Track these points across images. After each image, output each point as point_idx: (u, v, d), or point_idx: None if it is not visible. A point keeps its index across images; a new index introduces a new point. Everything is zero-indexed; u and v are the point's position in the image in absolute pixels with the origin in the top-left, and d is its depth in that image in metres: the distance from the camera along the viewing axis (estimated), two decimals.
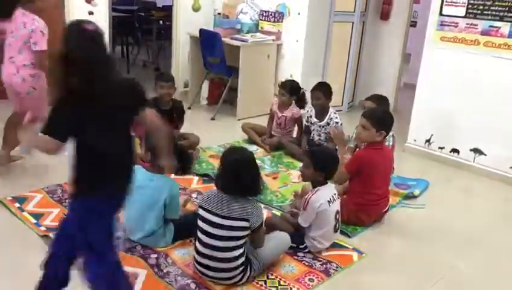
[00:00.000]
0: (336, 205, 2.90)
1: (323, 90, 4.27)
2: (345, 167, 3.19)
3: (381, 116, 3.23)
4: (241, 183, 2.41)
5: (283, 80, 4.92)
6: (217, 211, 2.41)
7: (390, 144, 3.72)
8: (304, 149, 4.25)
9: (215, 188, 2.52)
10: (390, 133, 3.70)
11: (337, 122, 4.21)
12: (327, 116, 4.26)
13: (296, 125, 4.65)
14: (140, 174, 2.74)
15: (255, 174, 2.48)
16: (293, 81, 4.72)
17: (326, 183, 2.93)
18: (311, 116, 4.37)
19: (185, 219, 2.87)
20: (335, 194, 2.92)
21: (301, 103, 4.58)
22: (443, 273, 2.85)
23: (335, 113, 4.28)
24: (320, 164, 2.87)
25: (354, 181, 3.22)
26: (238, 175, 2.40)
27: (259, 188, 2.50)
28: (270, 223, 2.96)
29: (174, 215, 2.80)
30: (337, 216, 2.90)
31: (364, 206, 3.18)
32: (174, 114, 4.11)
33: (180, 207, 3.06)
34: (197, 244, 2.49)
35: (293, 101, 4.54)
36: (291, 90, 4.50)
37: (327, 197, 2.83)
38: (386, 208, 3.33)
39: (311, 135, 4.42)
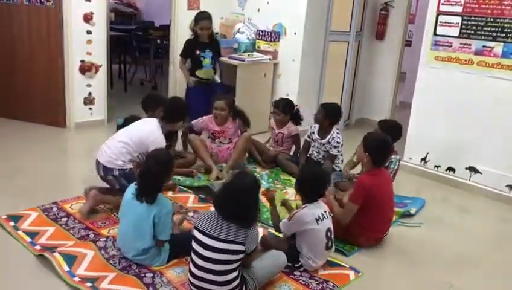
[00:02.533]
0: (327, 223, 2.88)
1: (325, 109, 4.21)
2: (351, 200, 3.12)
3: (376, 142, 3.20)
4: (238, 211, 2.39)
5: (277, 99, 4.93)
6: (212, 233, 2.38)
7: (396, 167, 3.74)
8: (299, 166, 4.26)
9: (212, 208, 2.50)
10: (397, 157, 3.77)
11: (338, 142, 4.20)
12: (329, 135, 4.25)
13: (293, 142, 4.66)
14: (132, 190, 2.76)
15: (255, 206, 2.49)
16: (286, 99, 4.73)
17: (317, 201, 2.92)
18: (313, 133, 4.37)
19: (181, 238, 2.85)
20: (325, 211, 2.91)
21: (297, 120, 4.59)
22: None
23: (338, 133, 4.27)
24: (300, 186, 2.95)
25: (360, 208, 3.13)
26: (239, 202, 2.39)
27: (254, 221, 2.49)
28: (266, 242, 2.95)
29: (162, 236, 2.74)
30: (329, 234, 2.88)
31: (368, 231, 3.16)
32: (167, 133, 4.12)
33: (176, 226, 3.05)
34: (192, 266, 2.46)
35: (289, 119, 4.56)
36: (284, 108, 4.52)
37: (315, 215, 2.83)
38: (386, 233, 3.32)
39: (311, 151, 4.42)
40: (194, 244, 2.43)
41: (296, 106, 4.66)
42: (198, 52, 4.85)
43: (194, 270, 2.44)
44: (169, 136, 4.14)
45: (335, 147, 4.21)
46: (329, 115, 4.21)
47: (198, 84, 4.90)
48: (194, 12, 5.93)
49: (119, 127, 3.71)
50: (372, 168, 3.18)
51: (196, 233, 2.44)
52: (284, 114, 4.52)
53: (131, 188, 2.79)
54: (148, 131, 3.41)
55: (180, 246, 2.80)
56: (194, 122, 4.43)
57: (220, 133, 4.45)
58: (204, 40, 4.84)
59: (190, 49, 4.90)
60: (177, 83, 6.14)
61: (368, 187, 3.09)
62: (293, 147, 4.69)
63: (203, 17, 4.82)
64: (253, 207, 2.48)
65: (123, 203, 2.83)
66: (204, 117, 4.46)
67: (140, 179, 2.75)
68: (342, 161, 4.32)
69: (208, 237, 2.38)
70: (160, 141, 3.36)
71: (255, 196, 2.51)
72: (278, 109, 4.52)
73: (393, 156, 3.74)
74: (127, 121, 3.81)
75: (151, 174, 2.72)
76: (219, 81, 5.10)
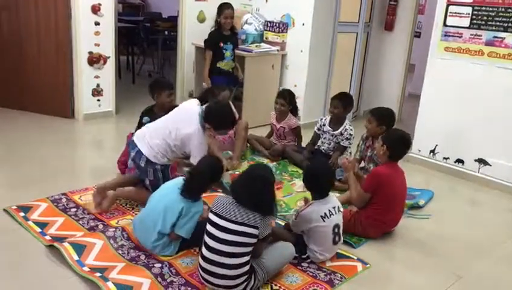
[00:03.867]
0: (335, 219, 2.87)
1: (343, 101, 4.21)
2: (363, 187, 3.19)
3: (397, 138, 3.24)
4: (254, 198, 2.42)
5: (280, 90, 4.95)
6: (226, 216, 2.41)
7: None
8: (304, 158, 4.25)
9: (228, 196, 2.53)
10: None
11: (350, 134, 4.20)
12: (342, 127, 4.23)
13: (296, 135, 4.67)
14: (178, 183, 2.80)
15: (270, 196, 2.51)
16: (289, 89, 4.78)
17: (327, 195, 2.91)
18: (324, 125, 4.34)
19: (195, 227, 2.83)
20: (334, 207, 2.89)
21: (296, 111, 4.63)
22: (449, 284, 2.83)
23: (350, 125, 4.26)
24: (309, 183, 2.96)
25: (372, 198, 3.17)
26: (254, 190, 2.44)
27: (272, 210, 2.52)
28: (273, 232, 2.96)
29: (181, 231, 2.76)
30: (336, 229, 2.87)
31: (377, 222, 3.17)
32: None
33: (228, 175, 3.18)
34: (203, 249, 2.48)
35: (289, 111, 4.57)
36: (290, 99, 4.54)
37: (321, 213, 2.82)
38: (394, 227, 3.32)
39: (321, 143, 4.40)
40: (208, 226, 2.46)
41: (296, 96, 4.68)
42: (221, 44, 4.94)
43: (205, 252, 2.46)
44: None
45: (347, 139, 4.20)
46: (347, 104, 4.23)
47: (219, 76, 4.99)
48: (202, 4, 5.98)
49: (141, 124, 3.67)
50: (387, 161, 3.19)
51: (211, 215, 2.46)
52: (289, 105, 4.53)
53: (178, 182, 2.82)
54: (191, 134, 3.24)
55: (192, 236, 2.80)
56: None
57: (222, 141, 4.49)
58: (227, 32, 4.95)
59: (214, 42, 4.98)
60: (185, 75, 6.15)
61: (378, 176, 3.14)
62: (294, 138, 4.67)
63: (226, 7, 4.97)
64: (268, 196, 2.49)
65: (162, 187, 2.90)
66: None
67: (191, 179, 2.77)
68: (351, 152, 4.30)
69: (222, 219, 2.41)
70: (204, 148, 3.30)
71: (270, 186, 2.53)
72: (285, 99, 4.50)
73: None
74: (152, 120, 3.67)
75: (203, 177, 2.78)
76: (242, 76, 5.24)
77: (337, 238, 2.89)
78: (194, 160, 3.16)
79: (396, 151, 3.19)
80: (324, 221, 2.81)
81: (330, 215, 2.84)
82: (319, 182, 2.91)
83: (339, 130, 4.23)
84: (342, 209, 2.98)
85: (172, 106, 4.03)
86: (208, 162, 2.91)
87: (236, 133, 4.41)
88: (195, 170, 2.84)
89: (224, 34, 4.98)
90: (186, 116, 3.34)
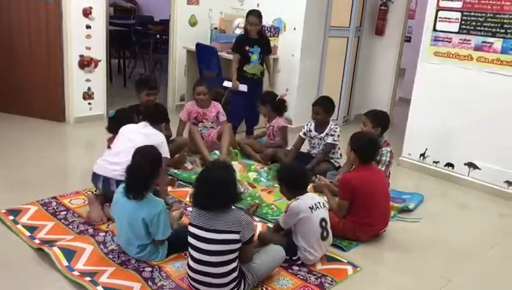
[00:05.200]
0: (321, 213, 2.91)
1: (323, 105, 4.26)
2: (338, 196, 3.24)
3: (364, 142, 3.26)
4: (214, 198, 2.40)
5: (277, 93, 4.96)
6: (206, 226, 2.39)
7: (387, 159, 3.75)
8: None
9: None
10: (389, 148, 3.76)
11: (335, 131, 4.24)
12: (327, 128, 4.27)
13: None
14: (121, 188, 2.74)
15: (230, 188, 2.46)
16: (266, 91, 4.90)
17: (306, 192, 2.97)
18: (310, 131, 4.37)
19: (180, 234, 2.80)
20: (320, 202, 2.94)
21: (279, 110, 4.65)
22: (438, 287, 2.84)
23: (335, 125, 4.31)
24: (281, 179, 3.03)
25: (352, 202, 3.19)
26: (214, 193, 2.39)
27: (235, 198, 2.50)
28: (264, 236, 2.97)
29: (158, 236, 2.71)
30: (323, 223, 2.90)
31: (363, 225, 3.18)
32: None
33: (175, 221, 3.05)
34: (189, 260, 2.47)
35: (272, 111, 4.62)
36: (262, 100, 4.62)
37: (308, 204, 2.87)
38: (385, 228, 3.34)
39: (311, 148, 4.42)
40: (190, 239, 2.44)
41: (277, 96, 4.70)
42: (247, 48, 4.97)
43: (192, 264, 2.45)
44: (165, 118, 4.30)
45: (331, 135, 4.24)
46: (329, 108, 4.27)
47: (244, 80, 5.03)
48: (194, 7, 5.99)
49: (110, 119, 3.75)
50: (359, 165, 3.22)
51: (191, 228, 2.45)
52: (264, 106, 4.60)
53: (120, 187, 2.77)
54: (153, 139, 3.23)
55: (178, 242, 2.78)
56: (181, 115, 4.64)
57: (203, 116, 4.61)
58: (254, 36, 4.96)
59: (240, 45, 5.02)
60: (176, 78, 6.15)
61: (351, 182, 3.15)
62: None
63: (250, 13, 5.01)
64: (221, 188, 2.41)
65: (114, 202, 2.81)
66: (186, 105, 4.70)
67: (128, 175, 2.69)
68: (341, 154, 4.31)
69: (202, 230, 2.39)
70: (162, 137, 3.39)
71: (218, 179, 2.44)
72: (259, 102, 4.64)
73: (383, 148, 3.76)
74: (118, 113, 3.85)
75: (139, 169, 2.68)
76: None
77: (325, 233, 2.91)
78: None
79: (366, 153, 3.22)
80: (312, 212, 2.85)
81: (317, 208, 2.89)
82: (292, 179, 2.98)
83: (325, 131, 4.27)
84: (327, 205, 3.04)
85: (154, 104, 4.18)
86: (141, 154, 2.77)
87: (221, 134, 4.52)
88: (130, 166, 2.71)
89: (251, 37, 4.98)
90: (146, 135, 3.34)
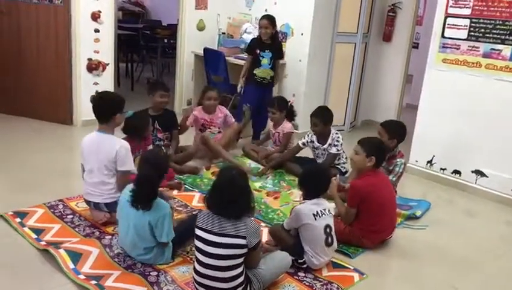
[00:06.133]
0: (325, 220, 2.89)
1: (321, 118, 4.22)
2: (347, 203, 3.21)
3: (373, 144, 3.25)
4: (233, 206, 2.39)
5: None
6: (213, 229, 2.39)
7: (401, 170, 3.74)
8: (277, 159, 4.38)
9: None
10: (403, 160, 3.77)
11: (338, 141, 4.22)
12: (329, 138, 4.25)
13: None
14: (127, 194, 2.72)
15: (243, 195, 2.44)
16: (279, 96, 4.89)
17: (318, 197, 2.95)
18: (312, 141, 4.36)
19: (181, 230, 2.81)
20: (325, 209, 2.92)
21: (291, 116, 4.67)
22: None
23: (337, 133, 4.28)
24: (303, 180, 3.02)
25: (360, 209, 3.17)
26: (231, 198, 2.38)
27: (246, 210, 2.46)
28: (275, 232, 3.01)
29: (163, 238, 2.71)
30: (328, 229, 2.89)
31: (371, 233, 3.17)
32: (167, 121, 4.37)
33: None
34: (196, 264, 2.47)
35: (284, 117, 4.63)
36: (279, 106, 4.60)
37: (313, 211, 2.85)
38: (391, 235, 3.32)
39: (316, 157, 4.40)
40: (197, 242, 2.44)
41: (289, 101, 4.72)
42: (258, 51, 4.99)
43: (198, 267, 2.45)
44: (174, 121, 4.43)
45: (334, 145, 4.22)
46: (327, 120, 4.24)
47: (253, 84, 5.05)
48: (202, 12, 6.01)
49: (127, 120, 3.67)
50: (371, 170, 3.19)
51: (198, 231, 2.44)
52: (280, 112, 4.57)
53: (127, 191, 2.74)
54: (111, 148, 3.08)
55: (181, 239, 2.81)
56: (188, 121, 4.63)
57: (210, 123, 4.60)
58: (267, 41, 4.97)
59: (252, 48, 5.05)
60: (184, 83, 6.17)
61: (362, 190, 3.12)
62: (291, 145, 4.67)
63: (261, 17, 5.05)
64: (241, 196, 2.42)
65: (119, 206, 2.82)
66: (193, 111, 4.67)
67: (137, 187, 2.66)
68: (346, 158, 4.30)
69: (209, 233, 2.39)
70: (124, 143, 3.14)
71: (240, 186, 2.44)
72: (273, 107, 4.58)
73: (398, 159, 3.75)
74: (136, 115, 3.81)
75: (149, 181, 2.67)
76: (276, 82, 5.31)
77: (329, 240, 2.90)
78: (126, 168, 3.09)
79: (380, 159, 3.21)
80: (315, 219, 2.84)
81: (322, 214, 2.88)
82: (314, 182, 2.97)
83: (328, 142, 4.25)
84: (332, 212, 3.01)
85: (164, 109, 4.32)
86: (150, 164, 2.75)
87: (223, 133, 4.60)
88: (139, 178, 2.69)
89: (263, 41, 5.00)
90: (105, 142, 3.14)
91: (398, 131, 3.78)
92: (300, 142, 4.42)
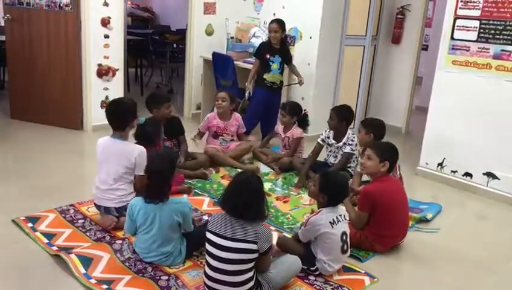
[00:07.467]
0: (342, 226, 2.86)
1: (338, 112, 4.26)
2: (358, 208, 3.20)
3: (385, 148, 3.25)
4: (241, 204, 2.40)
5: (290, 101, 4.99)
6: (225, 234, 2.39)
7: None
8: (304, 169, 4.25)
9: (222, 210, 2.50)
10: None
11: (352, 141, 4.22)
12: (345, 137, 4.26)
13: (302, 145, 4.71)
14: (140, 201, 2.79)
15: (258, 199, 2.46)
16: (293, 101, 4.85)
17: (334, 205, 2.90)
18: (328, 137, 4.36)
19: (196, 233, 2.88)
20: (341, 215, 2.89)
21: (303, 125, 4.65)
22: None
23: (353, 134, 4.28)
24: (325, 187, 2.87)
25: (372, 214, 3.15)
26: (247, 201, 2.40)
27: (260, 215, 2.46)
28: (283, 242, 2.96)
29: (189, 228, 2.86)
30: (344, 237, 2.86)
31: (381, 238, 3.15)
32: (172, 128, 4.31)
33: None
34: (206, 268, 2.47)
35: (296, 122, 4.61)
36: (290, 110, 4.58)
37: (329, 219, 2.81)
38: (403, 240, 3.30)
39: (327, 156, 4.40)
40: (208, 246, 2.44)
41: (305, 110, 4.69)
42: (268, 56, 4.99)
43: (208, 271, 2.45)
44: (180, 128, 4.37)
45: (349, 144, 4.21)
46: (343, 117, 4.24)
47: (263, 88, 5.07)
48: (210, 17, 6.04)
49: (140, 127, 3.70)
50: (383, 175, 3.18)
51: (209, 235, 2.45)
52: (290, 116, 4.56)
53: (139, 200, 2.79)
54: (130, 156, 3.16)
55: (196, 241, 2.85)
56: (201, 126, 4.69)
57: (223, 130, 4.61)
58: (276, 46, 4.98)
59: (261, 52, 5.06)
60: (193, 87, 6.19)
61: (373, 195, 3.10)
62: (301, 149, 4.69)
63: (271, 21, 5.05)
64: (256, 200, 2.44)
65: (137, 211, 2.80)
66: (208, 115, 4.70)
67: (150, 180, 2.77)
68: (357, 158, 4.28)
69: (220, 238, 2.39)
70: (142, 149, 3.20)
71: (256, 189, 2.46)
72: (285, 110, 4.59)
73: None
74: (148, 122, 3.78)
75: (161, 171, 2.75)
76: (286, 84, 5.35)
77: (345, 247, 2.88)
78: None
79: (392, 163, 3.20)
80: (333, 227, 2.80)
81: (338, 221, 2.84)
82: (336, 191, 2.90)
83: (343, 141, 4.25)
84: (347, 218, 2.97)
85: (171, 117, 4.25)
86: (160, 157, 2.84)
87: (240, 144, 4.62)
88: (151, 171, 2.77)
89: (273, 46, 4.99)
90: (123, 149, 3.22)
91: (374, 126, 3.95)
92: (319, 139, 4.42)
